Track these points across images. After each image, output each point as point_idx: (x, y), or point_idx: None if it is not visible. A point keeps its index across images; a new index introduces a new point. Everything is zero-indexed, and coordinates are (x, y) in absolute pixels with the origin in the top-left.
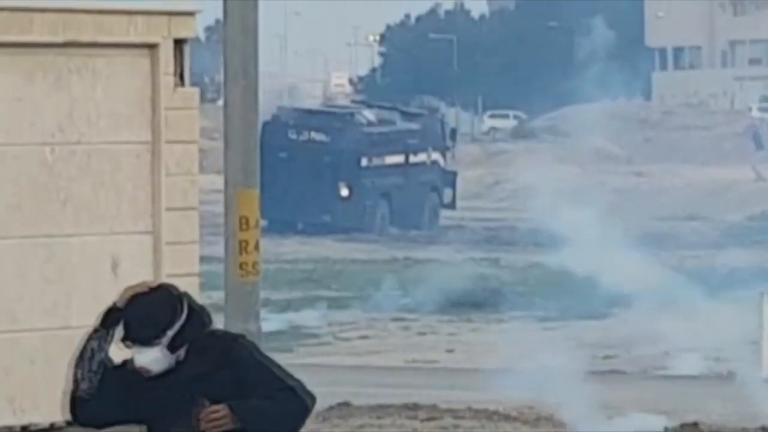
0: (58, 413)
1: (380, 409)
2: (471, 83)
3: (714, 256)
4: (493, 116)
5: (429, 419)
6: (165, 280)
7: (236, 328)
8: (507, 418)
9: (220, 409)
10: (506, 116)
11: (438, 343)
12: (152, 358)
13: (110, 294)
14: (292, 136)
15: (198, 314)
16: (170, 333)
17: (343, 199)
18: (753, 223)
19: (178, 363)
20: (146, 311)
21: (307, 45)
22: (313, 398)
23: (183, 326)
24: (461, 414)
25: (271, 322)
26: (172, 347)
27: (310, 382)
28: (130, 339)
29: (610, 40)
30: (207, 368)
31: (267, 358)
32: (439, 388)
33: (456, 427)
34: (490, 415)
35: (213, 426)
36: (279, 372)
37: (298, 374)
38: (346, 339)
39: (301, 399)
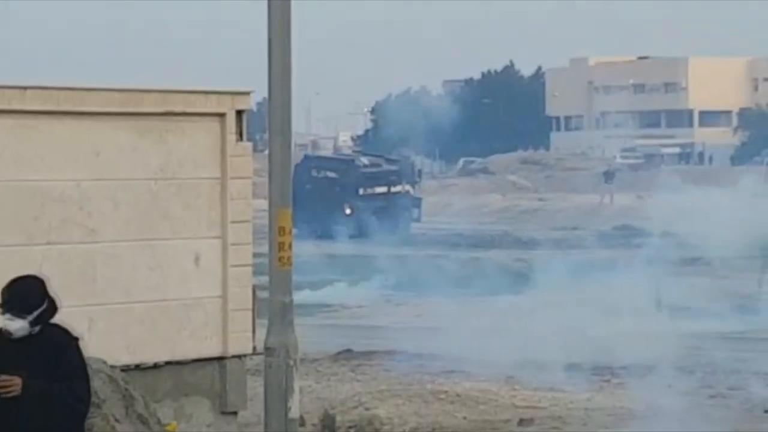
0: (159, 356)
1: (371, 354)
2: (432, 140)
3: (592, 254)
4: (465, 162)
5: (403, 360)
6: (230, 269)
7: (277, 301)
8: (457, 361)
9: (14, 380)
10: (473, 161)
11: (409, 311)
12: (20, 326)
13: (193, 278)
14: (314, 174)
15: (54, 305)
16: (37, 312)
17: (348, 215)
18: (617, 232)
19: (32, 335)
20: (26, 291)
21: (323, 114)
22: (86, 406)
23: (44, 310)
24: (427, 357)
25: (299, 296)
26: (33, 323)
27: (326, 335)
28: (7, 309)
29: (523, 110)
30: (54, 345)
31: (84, 365)
32: (411, 340)
33: (422, 366)
34: (444, 357)
35: (3, 389)
36: (82, 375)
37: (318, 332)
38: (349, 307)
39: (77, 404)
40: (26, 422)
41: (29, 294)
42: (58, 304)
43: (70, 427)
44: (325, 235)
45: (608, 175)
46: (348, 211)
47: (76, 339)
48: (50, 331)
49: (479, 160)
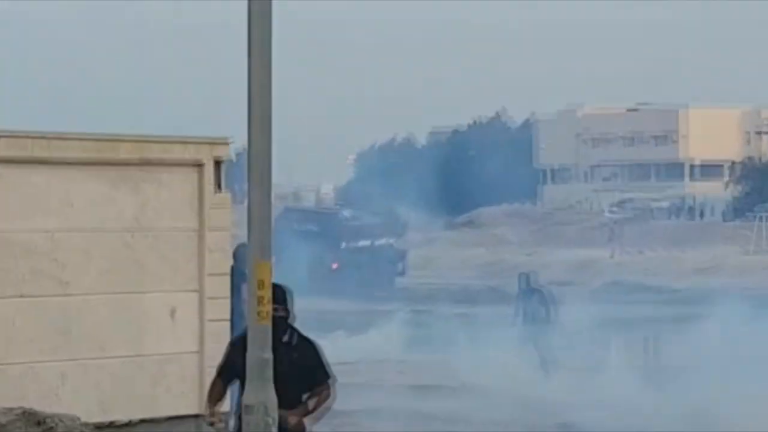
0: (133, 413)
1: (352, 412)
2: (416, 191)
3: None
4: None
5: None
6: (207, 324)
7: (255, 356)
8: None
9: None
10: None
11: (392, 368)
12: None
13: (169, 333)
14: (295, 227)
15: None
16: None
17: (333, 270)
18: (608, 288)
19: None
20: None
21: (304, 164)
22: None
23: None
24: (414, 415)
25: None
26: None
27: None
28: None
29: (511, 161)
30: None
31: None
32: (394, 399)
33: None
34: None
35: None
36: None
37: None
38: (331, 364)
39: None
40: None
41: None
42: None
43: None
44: (307, 290)
45: (611, 232)
46: (334, 266)
47: None
48: None
49: (464, 214)
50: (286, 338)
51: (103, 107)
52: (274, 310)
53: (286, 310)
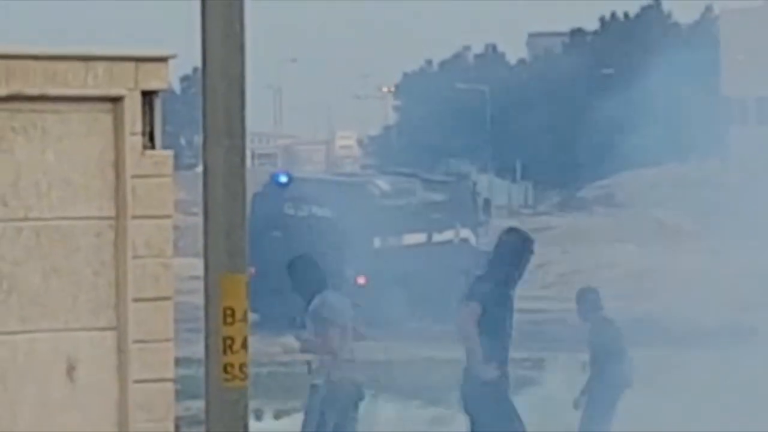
0: None
1: None
2: (507, 143)
3: None
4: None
5: None
6: (133, 388)
7: None
8: None
9: None
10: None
11: None
12: None
13: (65, 404)
14: (289, 210)
15: None
16: None
17: (359, 287)
18: None
19: None
20: None
21: (306, 98)
22: None
23: None
24: None
25: None
26: None
27: None
28: None
29: (677, 89)
30: None
31: None
32: None
33: None
34: None
35: None
36: None
37: None
38: None
39: None
40: None
41: None
42: None
43: None
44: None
45: None
46: (361, 281)
47: None
48: None
49: (595, 183)
50: None
51: None
52: None
53: None
